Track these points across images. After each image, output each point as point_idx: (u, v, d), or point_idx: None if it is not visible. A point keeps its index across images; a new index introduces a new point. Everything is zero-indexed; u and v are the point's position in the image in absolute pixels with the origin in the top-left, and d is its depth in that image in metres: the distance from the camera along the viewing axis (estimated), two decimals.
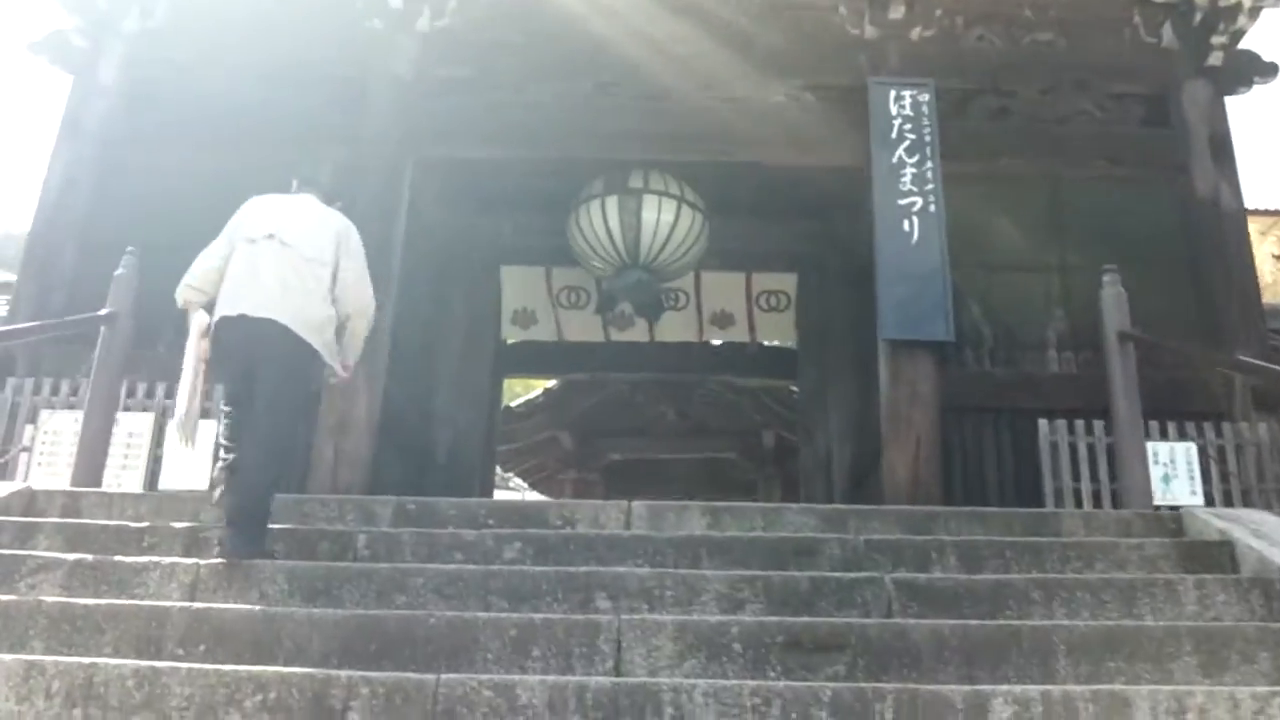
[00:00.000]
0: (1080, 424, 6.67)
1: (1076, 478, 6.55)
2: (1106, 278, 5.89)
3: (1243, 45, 8.04)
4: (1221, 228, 7.54)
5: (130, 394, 6.76)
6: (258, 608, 3.65)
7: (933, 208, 7.15)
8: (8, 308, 8.01)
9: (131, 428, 6.75)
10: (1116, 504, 6.38)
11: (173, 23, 8.04)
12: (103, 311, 5.78)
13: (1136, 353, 6.03)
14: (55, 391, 6.82)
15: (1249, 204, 8.31)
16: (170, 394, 6.54)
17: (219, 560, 4.06)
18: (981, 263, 7.51)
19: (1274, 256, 13.93)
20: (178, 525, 4.54)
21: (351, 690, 3.07)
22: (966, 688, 3.08)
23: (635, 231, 8.28)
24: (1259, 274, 8.34)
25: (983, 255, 7.53)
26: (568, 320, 10.26)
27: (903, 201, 7.18)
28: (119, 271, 5.93)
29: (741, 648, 3.44)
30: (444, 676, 3.11)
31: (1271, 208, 14.14)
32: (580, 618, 3.56)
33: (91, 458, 5.64)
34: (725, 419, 13.65)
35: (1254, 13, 7.82)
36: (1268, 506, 6.45)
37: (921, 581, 3.93)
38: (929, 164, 7.26)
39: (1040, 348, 7.36)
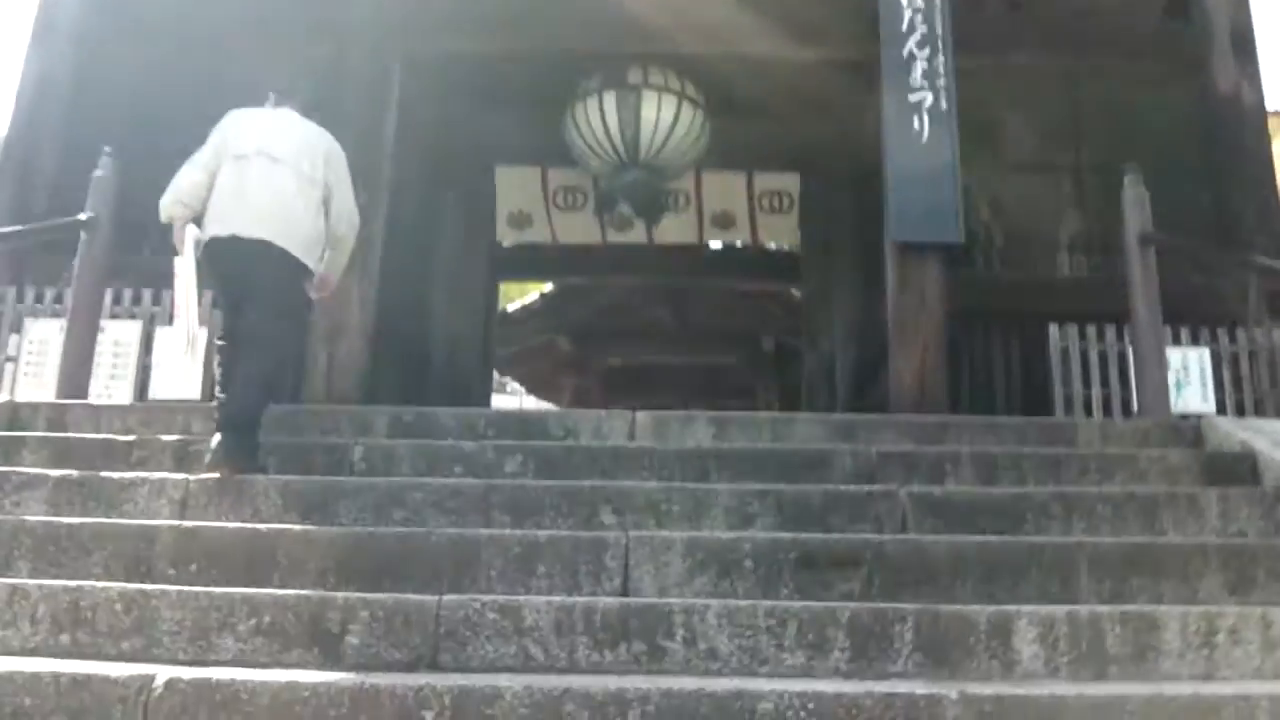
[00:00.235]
0: (1092, 329, 6.52)
1: (1087, 384, 6.41)
2: (1128, 178, 5.66)
3: None
4: (1241, 126, 7.30)
5: (116, 301, 6.55)
6: (250, 525, 3.52)
7: (944, 104, 6.86)
8: None
9: (118, 336, 6.55)
10: (1127, 411, 6.27)
11: None
12: (82, 216, 5.54)
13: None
14: (39, 299, 6.61)
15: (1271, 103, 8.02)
16: (157, 300, 6.37)
17: (210, 475, 3.92)
18: (992, 162, 7.27)
19: None
20: (167, 438, 4.39)
21: (349, 612, 2.96)
22: (990, 608, 2.97)
23: (634, 129, 7.97)
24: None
25: (993, 154, 7.29)
26: (564, 222, 9.99)
27: (913, 98, 6.88)
28: (97, 173, 5.68)
29: (753, 564, 3.32)
30: (446, 598, 2.99)
31: None
32: (586, 534, 3.44)
33: (76, 368, 5.46)
34: (725, 324, 13.45)
35: None
36: None
37: (937, 494, 3.80)
38: (941, 58, 6.94)
39: (1051, 251, 7.18)
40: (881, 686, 2.67)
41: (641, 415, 4.72)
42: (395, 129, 7.10)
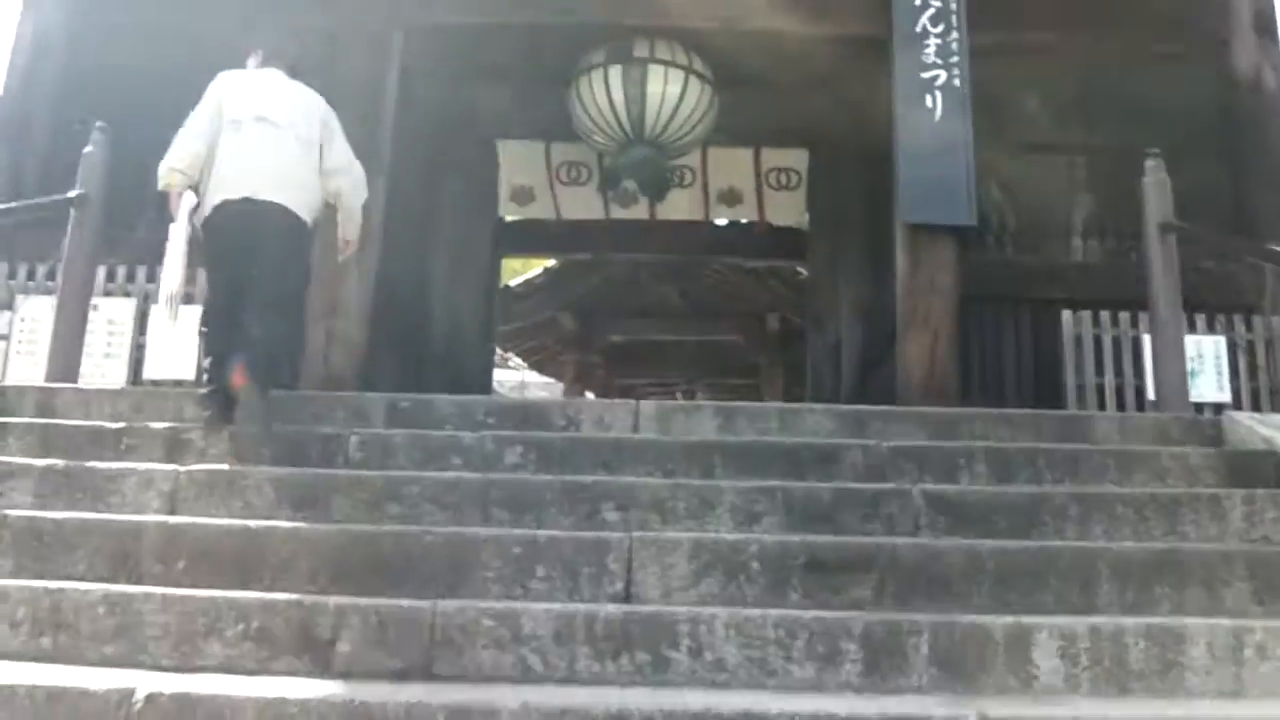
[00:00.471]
0: (1106, 316, 6.38)
1: (1100, 373, 6.29)
2: (1149, 163, 5.49)
3: None
4: (1261, 109, 7.12)
5: (110, 278, 6.45)
6: (240, 522, 3.39)
7: (957, 82, 6.68)
8: None
9: (112, 314, 6.46)
10: (1140, 401, 6.15)
11: None
12: (72, 193, 5.39)
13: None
14: (31, 276, 6.50)
15: None
16: (152, 278, 6.24)
17: (198, 466, 3.81)
18: (1005, 142, 7.09)
19: None
20: (157, 425, 4.25)
21: (340, 618, 2.84)
22: (1009, 619, 2.85)
23: (640, 104, 7.77)
24: None
25: (1006, 134, 7.11)
26: (568, 198, 9.82)
27: (925, 75, 6.71)
28: (88, 149, 5.52)
29: (760, 567, 3.20)
30: (441, 604, 2.88)
31: None
32: (589, 535, 3.31)
33: (67, 349, 5.32)
34: (729, 301, 13.30)
35: None
36: None
37: (951, 494, 3.67)
38: (954, 34, 6.76)
39: (1064, 235, 7.02)
40: (896, 704, 2.56)
41: (645, 405, 4.59)
42: (396, 103, 6.93)
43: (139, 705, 2.44)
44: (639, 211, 9.94)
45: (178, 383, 5.98)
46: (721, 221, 10.67)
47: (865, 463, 4.04)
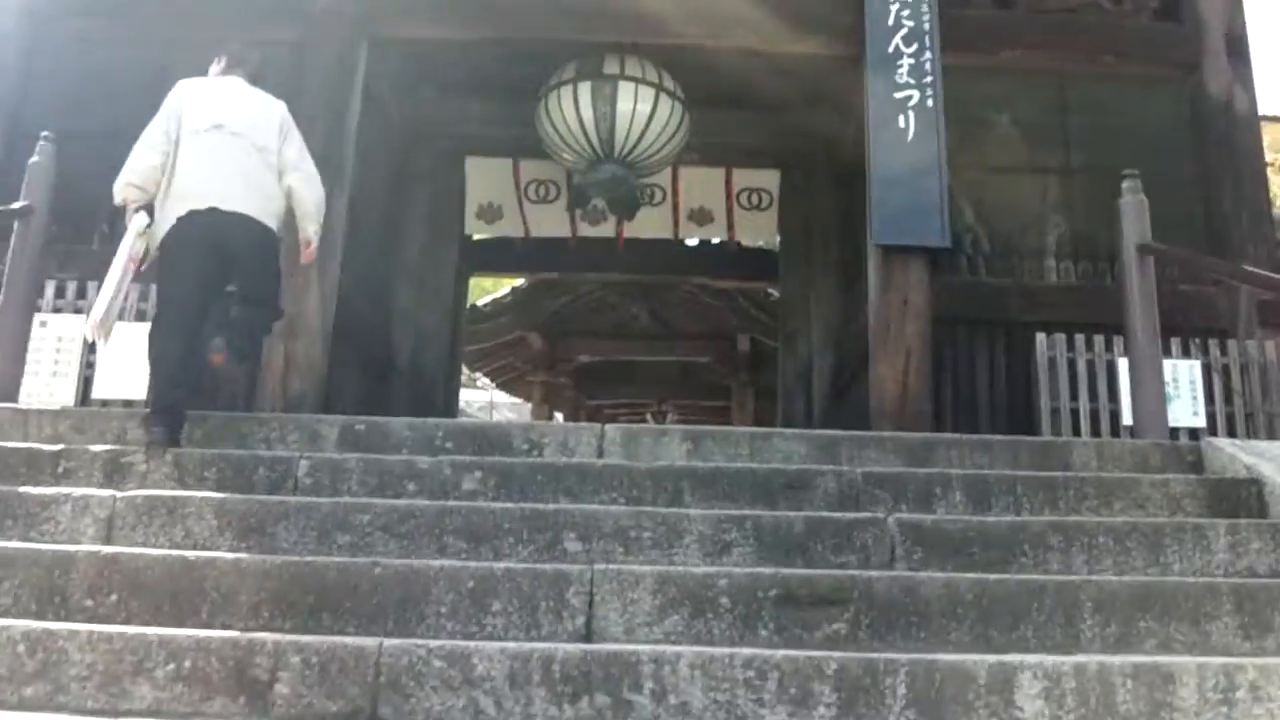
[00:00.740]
0: (1080, 339, 6.29)
1: (1074, 397, 6.18)
2: (1126, 184, 5.41)
3: None
4: (1233, 132, 7.06)
5: (59, 294, 6.22)
6: (178, 553, 3.19)
7: (930, 102, 6.62)
8: None
9: (61, 331, 6.21)
10: (1115, 425, 6.05)
11: None
12: (15, 205, 5.17)
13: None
14: None
15: (1264, 109, 7.79)
16: None
17: (138, 492, 3.61)
18: (977, 163, 7.01)
19: None
20: (96, 448, 4.04)
21: (279, 658, 2.65)
22: (991, 658, 2.69)
23: (610, 122, 7.63)
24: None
25: (978, 155, 7.03)
26: (536, 216, 9.67)
27: (899, 95, 6.64)
28: (34, 160, 5.31)
29: (730, 602, 3.04)
30: (387, 642, 2.69)
31: None
32: (548, 567, 3.13)
33: (9, 368, 5.09)
34: (700, 322, 13.18)
35: None
36: (1271, 429, 6.15)
37: (928, 524, 3.53)
38: (928, 54, 6.71)
39: (1038, 256, 6.92)
40: None
41: (611, 429, 4.42)
42: (360, 117, 6.78)
43: None
44: (608, 230, 9.81)
45: (128, 403, 5.77)
46: (692, 241, 10.57)
47: (839, 490, 3.90)
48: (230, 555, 3.17)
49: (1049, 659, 2.71)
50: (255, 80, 4.74)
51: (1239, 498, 3.90)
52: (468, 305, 11.21)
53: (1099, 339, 6.22)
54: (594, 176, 7.92)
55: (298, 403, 6.21)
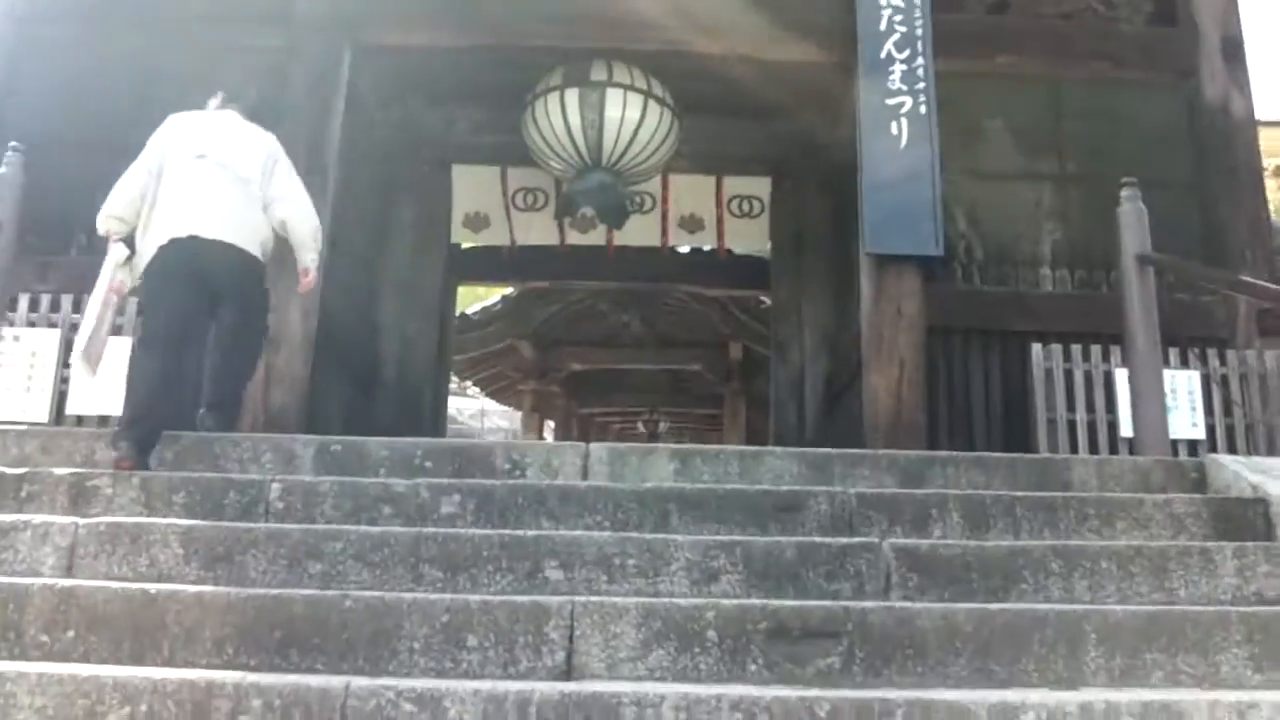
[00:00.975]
0: (1077, 349, 6.17)
1: (1071, 408, 6.06)
2: (1124, 192, 5.30)
3: None
4: (1230, 138, 6.97)
5: (33, 308, 6.07)
6: (139, 586, 3.04)
7: (923, 109, 6.53)
8: None
9: (35, 346, 6.06)
10: (1113, 437, 5.93)
11: None
12: None
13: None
14: None
15: (1261, 114, 7.68)
16: (79, 307, 5.87)
17: (101, 519, 3.46)
18: (970, 170, 6.91)
19: None
20: (61, 471, 3.89)
21: (240, 701, 2.51)
22: (993, 696, 2.56)
23: (598, 129, 7.50)
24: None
25: (972, 162, 6.93)
26: (523, 224, 9.52)
27: (891, 101, 6.55)
28: (1, 171, 5.17)
29: (718, 636, 2.89)
30: (354, 682, 2.55)
31: None
32: (526, 600, 2.99)
33: None
34: (691, 330, 13.05)
35: None
36: (1271, 440, 6.03)
37: (924, 549, 3.39)
38: (920, 60, 6.61)
39: (1033, 264, 6.81)
40: None
41: (596, 448, 4.28)
42: (344, 123, 6.65)
43: None
44: (597, 238, 9.67)
45: (104, 419, 5.63)
46: (683, 249, 10.43)
47: (831, 512, 3.76)
48: (194, 588, 3.02)
49: (1052, 696, 2.58)
50: (252, 115, 4.86)
51: (1245, 518, 3.77)
52: (457, 314, 11.06)
53: (1096, 349, 6.11)
54: (581, 185, 7.79)
55: (279, 416, 6.08)
